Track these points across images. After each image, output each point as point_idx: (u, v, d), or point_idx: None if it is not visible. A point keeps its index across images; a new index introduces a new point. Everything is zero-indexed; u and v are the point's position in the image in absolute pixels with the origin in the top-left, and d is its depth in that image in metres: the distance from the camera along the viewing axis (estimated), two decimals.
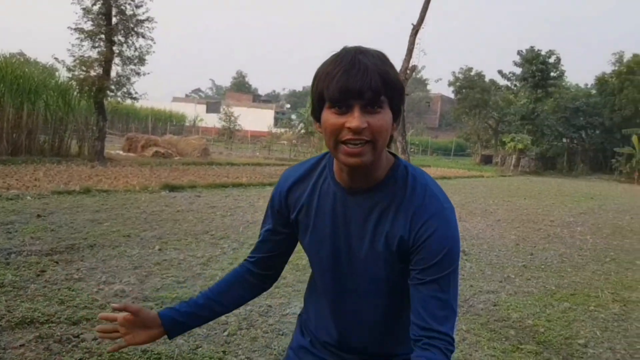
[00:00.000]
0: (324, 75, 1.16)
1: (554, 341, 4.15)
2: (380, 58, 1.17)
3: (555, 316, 4.76)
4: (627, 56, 37.88)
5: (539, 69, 39.05)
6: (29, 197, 8.66)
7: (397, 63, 10.89)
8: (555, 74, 40.39)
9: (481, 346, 3.93)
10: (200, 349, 3.50)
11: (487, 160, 42.44)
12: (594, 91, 41.31)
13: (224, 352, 3.47)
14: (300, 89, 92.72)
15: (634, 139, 32.02)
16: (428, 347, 1.18)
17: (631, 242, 9.17)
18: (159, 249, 5.97)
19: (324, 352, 1.49)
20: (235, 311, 2.63)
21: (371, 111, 1.15)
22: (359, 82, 1.11)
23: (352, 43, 1.22)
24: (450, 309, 1.22)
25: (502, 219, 11.04)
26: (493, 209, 12.53)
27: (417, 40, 10.97)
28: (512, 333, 4.26)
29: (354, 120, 1.13)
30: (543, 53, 39.72)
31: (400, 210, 1.25)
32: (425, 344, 1.18)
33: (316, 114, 1.23)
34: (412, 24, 10.96)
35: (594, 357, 3.90)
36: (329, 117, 1.17)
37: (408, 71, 10.76)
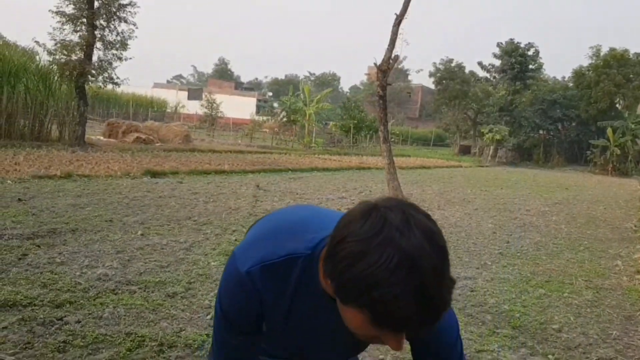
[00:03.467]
0: (390, 297, 0.88)
1: (529, 326, 4.28)
2: (452, 281, 0.95)
3: (531, 302, 4.90)
4: (604, 50, 38.48)
5: (517, 61, 39.51)
6: (9, 182, 8.57)
7: (380, 54, 10.94)
8: (533, 67, 40.93)
9: None
10: (184, 332, 3.54)
11: (465, 150, 42.87)
12: (571, 84, 41.89)
13: (207, 335, 3.52)
14: (283, 77, 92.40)
15: (609, 131, 32.62)
16: None
17: (604, 231, 9.40)
18: (142, 234, 5.98)
19: None
20: None
21: None
22: (423, 321, 0.91)
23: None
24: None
25: (479, 207, 11.22)
26: (471, 198, 12.71)
27: (400, 31, 11.02)
28: (488, 318, 4.38)
29: (396, 345, 0.96)
30: (522, 45, 40.15)
31: None
32: None
33: (334, 288, 0.97)
34: (396, 13, 11.00)
35: (567, 341, 4.03)
36: (362, 322, 0.94)
37: (391, 61, 10.81)
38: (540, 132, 40.80)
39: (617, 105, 38.59)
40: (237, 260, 1.14)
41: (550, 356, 3.72)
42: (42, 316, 3.53)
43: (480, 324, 4.24)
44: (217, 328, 1.23)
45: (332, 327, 1.13)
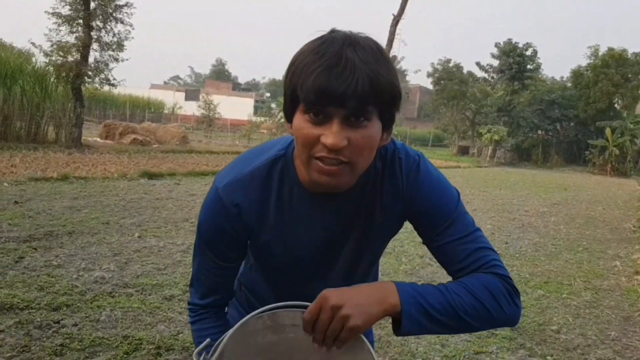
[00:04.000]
0: (300, 66, 0.93)
1: (527, 327, 4.27)
2: (373, 53, 0.93)
3: (529, 303, 4.89)
4: (603, 49, 38.52)
5: (516, 62, 39.55)
6: (5, 184, 8.53)
7: None
8: (531, 67, 40.96)
9: None
10: (181, 334, 3.53)
11: (464, 151, 42.91)
12: (569, 84, 41.94)
13: None
14: (281, 78, 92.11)
15: (608, 131, 32.64)
16: (488, 271, 1.08)
17: (603, 232, 9.40)
18: (139, 236, 5.96)
19: None
20: None
21: (354, 124, 0.93)
22: (342, 85, 0.88)
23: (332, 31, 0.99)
24: (484, 243, 1.12)
25: (478, 208, 11.21)
26: (469, 199, 12.70)
27: (397, 31, 11.02)
28: None
29: (331, 136, 0.91)
30: (520, 45, 40.19)
31: (385, 197, 1.13)
32: (486, 270, 1.08)
33: (288, 114, 1.00)
34: (393, 14, 11.01)
35: (566, 342, 4.03)
36: (303, 124, 0.95)
37: None
38: (539, 132, 40.83)
39: (616, 105, 38.61)
40: (215, 182, 1.14)
41: (548, 357, 3.71)
42: (39, 319, 3.51)
43: None
44: (197, 257, 1.20)
45: (324, 227, 1.14)
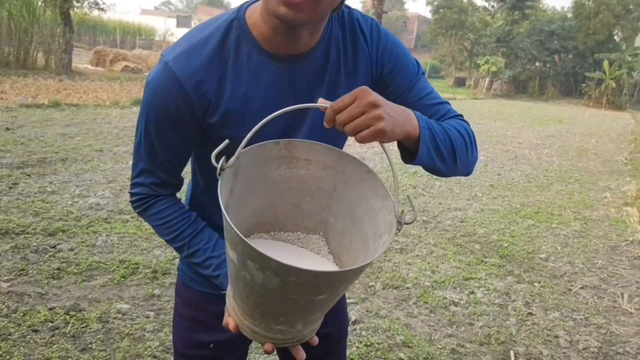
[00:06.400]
0: None
1: (516, 255, 4.37)
2: None
3: (519, 232, 4.98)
4: None
5: None
6: None
7: None
8: None
9: (448, 259, 4.12)
10: (177, 259, 3.58)
11: (460, 82, 42.40)
12: (570, 15, 40.99)
13: None
14: None
15: (605, 64, 32.20)
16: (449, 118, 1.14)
17: (595, 164, 9.46)
18: None
19: None
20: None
21: None
22: None
23: None
24: (443, 99, 1.17)
25: None
26: None
27: None
28: (477, 247, 4.45)
29: None
30: None
31: (350, 61, 1.10)
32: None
33: None
34: None
35: (553, 270, 4.13)
36: None
37: None
38: (537, 64, 40.27)
39: (615, 37, 37.94)
40: (163, 57, 1.00)
41: (536, 284, 3.81)
42: (35, 244, 3.55)
43: (469, 253, 4.31)
44: (140, 148, 1.07)
45: (288, 91, 1.05)
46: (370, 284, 3.58)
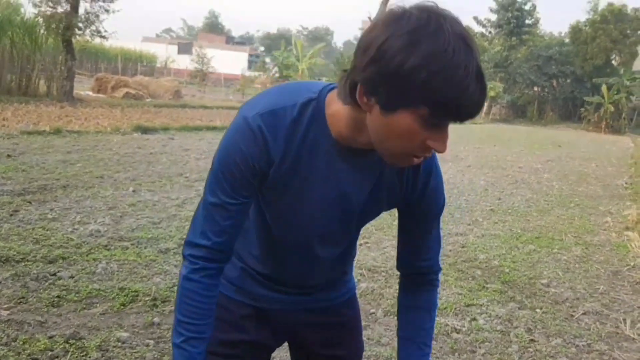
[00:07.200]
0: (444, 74, 0.84)
1: (518, 281, 4.35)
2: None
3: (520, 258, 4.96)
4: (602, 4, 37.89)
5: (514, 16, 38.96)
6: None
7: (374, 7, 10.73)
8: (530, 22, 40.38)
9: (449, 285, 4.10)
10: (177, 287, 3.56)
11: None
12: (567, 40, 41.42)
13: None
14: (275, 32, 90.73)
15: (604, 88, 32.43)
16: (432, 287, 1.32)
17: (595, 188, 9.48)
18: (133, 191, 5.96)
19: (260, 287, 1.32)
20: None
21: None
22: (482, 103, 0.89)
23: None
24: (441, 242, 1.30)
25: (472, 164, 11.24)
26: (464, 155, 12.72)
27: None
28: (478, 273, 4.44)
29: (444, 145, 0.93)
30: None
31: (399, 177, 1.15)
32: (431, 285, 1.32)
33: (389, 103, 0.90)
34: None
35: (555, 295, 4.11)
36: (412, 125, 0.90)
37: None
38: (535, 88, 40.56)
39: (613, 62, 38.26)
40: (244, 110, 1.07)
41: (537, 310, 3.79)
42: (35, 271, 3.54)
43: (470, 278, 4.29)
44: (209, 190, 1.11)
45: (342, 181, 1.11)
46: (372, 310, 3.55)
